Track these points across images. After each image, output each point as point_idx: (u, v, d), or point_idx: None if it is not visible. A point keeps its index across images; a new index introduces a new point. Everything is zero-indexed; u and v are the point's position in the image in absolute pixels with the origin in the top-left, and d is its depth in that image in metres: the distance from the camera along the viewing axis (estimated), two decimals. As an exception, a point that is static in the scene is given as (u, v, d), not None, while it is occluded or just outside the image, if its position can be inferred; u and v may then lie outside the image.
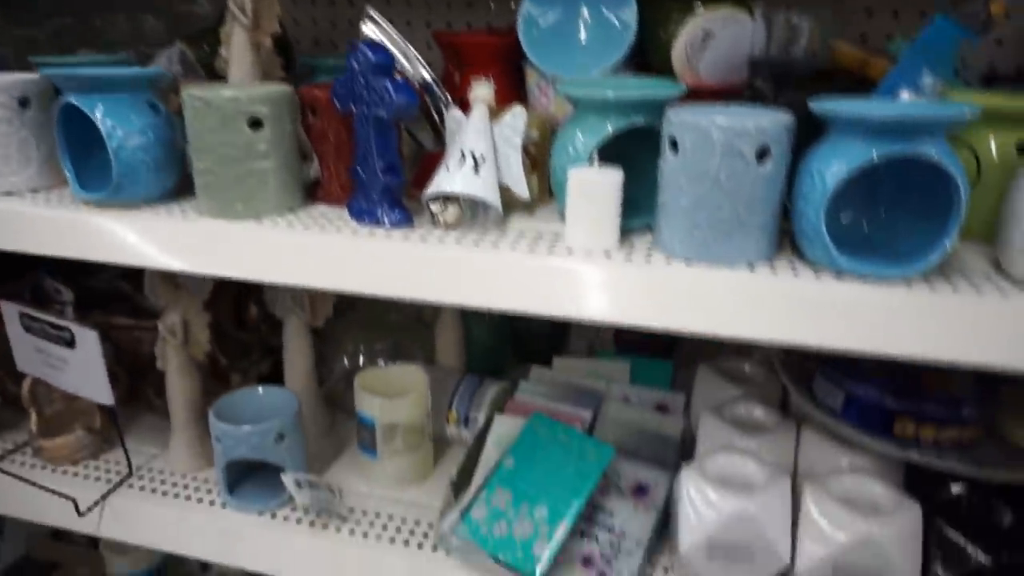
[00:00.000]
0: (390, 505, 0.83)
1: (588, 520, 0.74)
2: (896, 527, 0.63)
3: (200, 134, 0.64)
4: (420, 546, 0.77)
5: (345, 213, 0.68)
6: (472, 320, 1.03)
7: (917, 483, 0.70)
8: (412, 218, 0.66)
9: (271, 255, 0.63)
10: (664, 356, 0.97)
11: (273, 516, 0.81)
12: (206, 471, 0.88)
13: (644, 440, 0.82)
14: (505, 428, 0.79)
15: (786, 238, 0.61)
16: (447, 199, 0.64)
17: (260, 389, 0.84)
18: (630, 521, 0.74)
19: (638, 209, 0.63)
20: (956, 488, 0.69)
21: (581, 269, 0.57)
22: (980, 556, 0.64)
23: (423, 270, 0.60)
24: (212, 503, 0.83)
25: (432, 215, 0.64)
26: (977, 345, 0.51)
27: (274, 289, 0.88)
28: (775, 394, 0.85)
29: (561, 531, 0.68)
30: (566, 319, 0.58)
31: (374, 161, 0.64)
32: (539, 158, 0.70)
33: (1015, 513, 0.67)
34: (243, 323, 1.09)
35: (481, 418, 0.87)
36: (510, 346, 1.09)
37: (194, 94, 0.62)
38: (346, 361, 0.97)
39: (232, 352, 1.05)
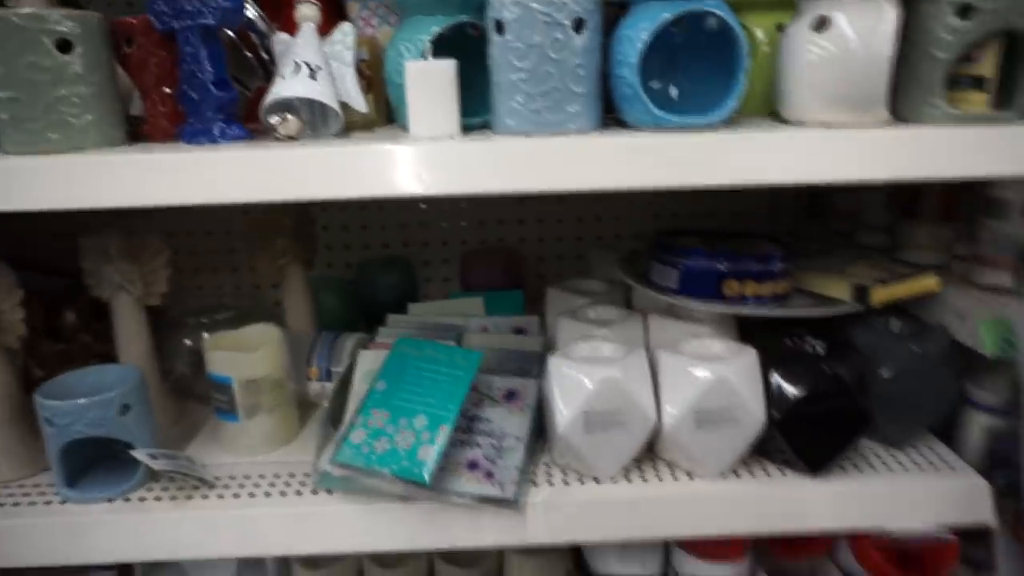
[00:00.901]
0: (260, 467, 0.78)
1: (467, 431, 0.75)
2: (740, 367, 0.71)
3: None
4: (299, 493, 0.73)
5: (177, 146, 0.65)
6: (320, 289, 1.01)
7: (748, 338, 0.79)
8: (251, 134, 0.65)
9: (93, 178, 0.59)
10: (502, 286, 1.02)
11: (127, 500, 0.73)
12: (38, 476, 0.77)
13: (508, 358, 0.85)
14: (370, 362, 0.79)
15: (610, 120, 0.67)
16: (286, 112, 0.64)
17: (93, 368, 0.77)
18: (507, 422, 0.76)
19: (475, 114, 0.67)
20: (778, 336, 0.79)
21: (426, 148, 0.59)
22: (797, 392, 0.72)
23: (266, 170, 0.59)
24: (49, 503, 0.73)
25: (272, 129, 0.64)
26: (771, 166, 0.60)
27: (96, 267, 0.81)
28: (619, 301, 0.92)
29: (443, 434, 0.69)
30: (414, 196, 0.60)
31: (204, 76, 0.62)
32: (373, 78, 0.72)
33: (826, 345, 0.77)
34: (59, 332, 0.99)
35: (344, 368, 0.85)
36: (360, 314, 1.08)
37: (-12, 14, 0.58)
38: (188, 342, 0.91)
39: (49, 364, 0.94)
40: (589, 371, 0.71)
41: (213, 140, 0.63)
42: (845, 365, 0.74)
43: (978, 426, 0.77)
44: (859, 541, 0.75)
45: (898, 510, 0.73)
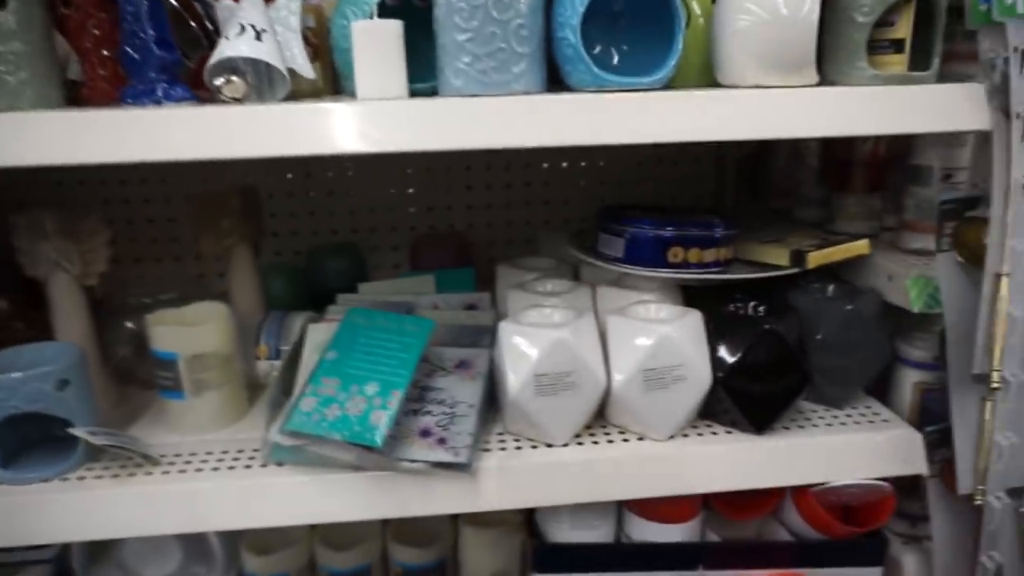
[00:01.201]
0: (207, 445, 0.76)
1: (419, 400, 0.75)
2: (684, 326, 0.73)
3: (-73, 18, 0.57)
4: (248, 467, 0.72)
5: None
6: (269, 276, 1.00)
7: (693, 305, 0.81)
8: (195, 96, 0.64)
9: (32, 135, 0.57)
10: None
11: (65, 480, 0.70)
12: (-34, 462, 0.74)
13: (460, 333, 0.85)
14: (321, 334, 0.78)
15: (554, 87, 0.69)
16: (232, 73, 0.64)
17: (30, 346, 0.74)
18: (459, 390, 0.76)
19: (422, 81, 0.68)
20: (721, 302, 0.81)
21: (374, 106, 0.60)
22: (741, 352, 0.74)
23: (213, 127, 0.59)
24: (-20, 487, 0.70)
25: (217, 90, 0.63)
26: (709, 124, 0.63)
27: (31, 245, 0.79)
28: (568, 276, 0.93)
29: (396, 399, 0.68)
30: (360, 153, 0.60)
31: (146, 36, 0.62)
32: (320, 46, 0.73)
33: (767, 310, 0.80)
34: (-10, 322, 0.95)
35: (293, 346, 0.84)
36: (310, 302, 1.07)
37: (-84, -34, 0.56)
38: (130, 325, 0.88)
39: (-20, 353, 0.91)
40: (539, 334, 0.71)
41: (156, 101, 0.62)
42: (785, 326, 0.77)
43: (909, 382, 0.80)
44: (802, 496, 0.78)
45: (839, 464, 0.76)
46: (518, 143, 0.61)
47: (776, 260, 0.82)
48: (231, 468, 0.72)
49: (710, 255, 0.80)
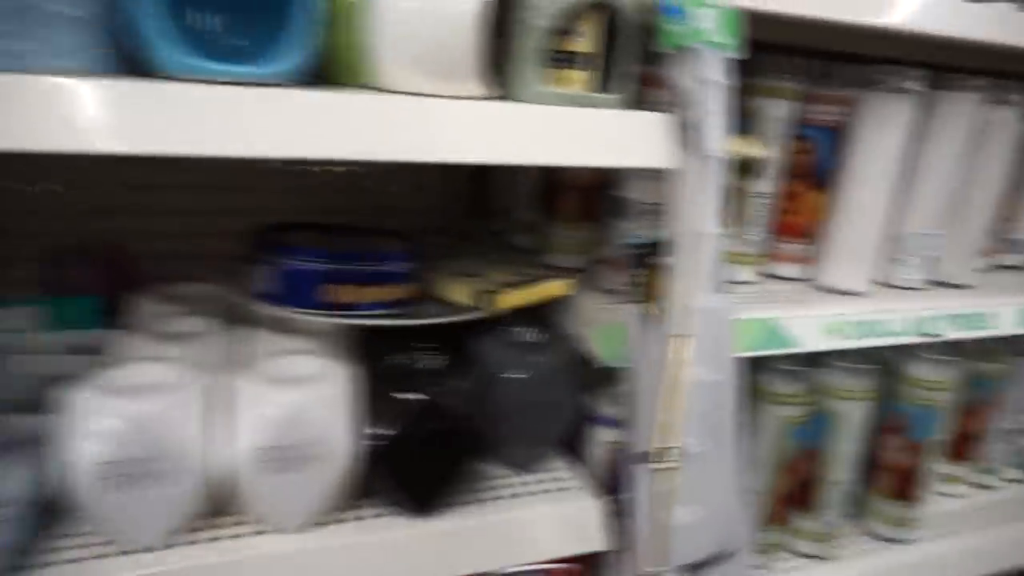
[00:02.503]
0: None
1: (-60, 497, 0.52)
2: (324, 392, 0.58)
3: None
4: None
5: None
6: None
7: (367, 349, 0.66)
8: None
9: None
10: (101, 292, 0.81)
11: None
12: None
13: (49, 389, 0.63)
14: None
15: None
16: None
17: None
18: (5, 481, 0.54)
19: None
20: (398, 350, 0.67)
21: None
22: (398, 418, 0.60)
23: None
24: None
25: None
26: (307, 136, 0.47)
27: None
28: (223, 307, 0.74)
29: None
30: None
31: None
32: None
33: (448, 359, 0.67)
34: None
35: None
36: None
37: None
38: None
39: None
40: (110, 405, 0.52)
41: None
42: (464, 380, 0.64)
43: (602, 441, 0.71)
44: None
45: (516, 545, 0.65)
46: (35, 147, 0.41)
47: (461, 299, 0.69)
48: None
49: (385, 293, 0.65)
